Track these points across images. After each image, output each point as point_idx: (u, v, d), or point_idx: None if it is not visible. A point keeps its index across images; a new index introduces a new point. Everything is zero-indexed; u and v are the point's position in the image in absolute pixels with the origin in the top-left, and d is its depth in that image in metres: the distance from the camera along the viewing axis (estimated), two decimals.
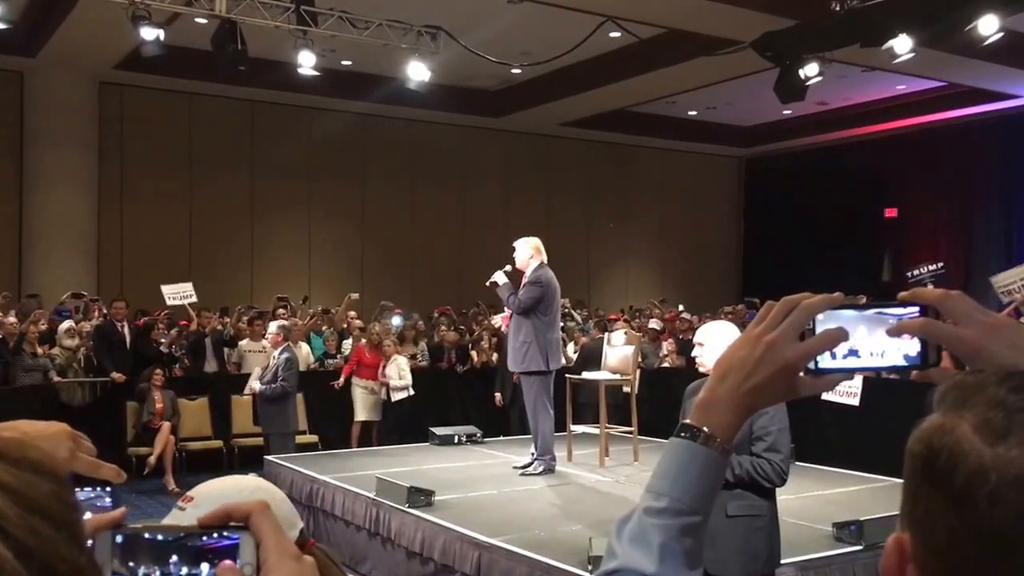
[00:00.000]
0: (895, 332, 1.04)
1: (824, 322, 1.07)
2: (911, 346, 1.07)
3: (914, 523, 0.76)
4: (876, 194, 20.82)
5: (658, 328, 13.79)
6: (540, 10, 12.57)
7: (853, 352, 1.08)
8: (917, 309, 1.05)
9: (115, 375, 11.37)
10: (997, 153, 18.92)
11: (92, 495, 1.16)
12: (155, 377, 11.00)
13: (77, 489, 1.13)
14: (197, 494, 1.46)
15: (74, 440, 1.21)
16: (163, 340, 12.25)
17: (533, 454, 8.13)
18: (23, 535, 0.51)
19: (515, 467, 8.19)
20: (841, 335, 1.05)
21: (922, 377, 1.06)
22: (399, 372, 11.51)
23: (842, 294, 1.11)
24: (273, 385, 9.74)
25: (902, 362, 1.07)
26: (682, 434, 1.07)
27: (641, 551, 1.03)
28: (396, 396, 11.47)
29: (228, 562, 0.75)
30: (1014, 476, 0.69)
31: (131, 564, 0.77)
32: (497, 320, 9.15)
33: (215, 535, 0.77)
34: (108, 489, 1.17)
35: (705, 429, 1.06)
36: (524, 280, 8.06)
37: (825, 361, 1.08)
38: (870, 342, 1.08)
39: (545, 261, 8.11)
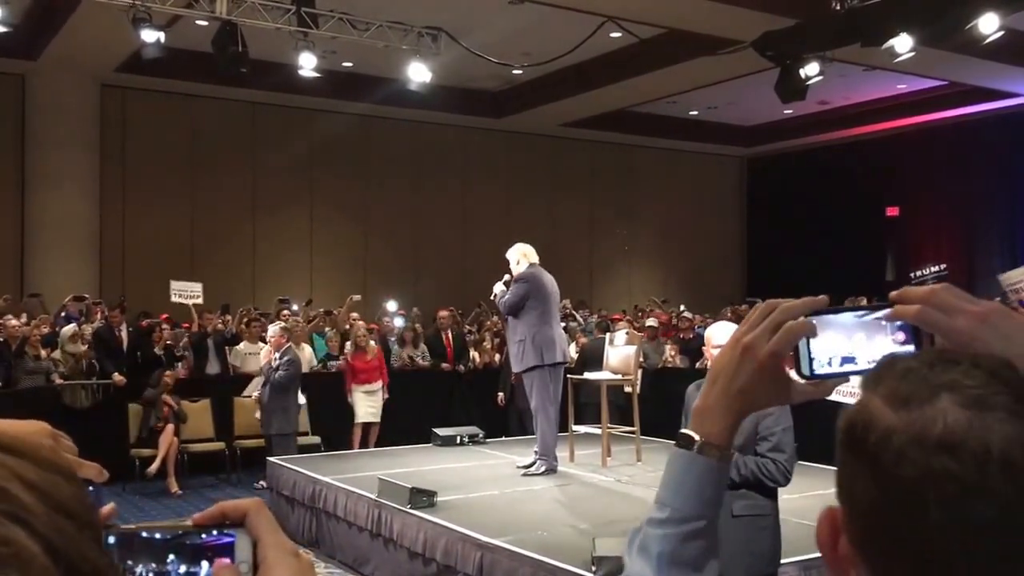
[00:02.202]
0: (891, 317, 1.04)
1: (821, 329, 1.07)
2: (905, 348, 1.06)
3: (841, 492, 0.81)
4: (878, 193, 20.82)
5: (655, 325, 13.74)
6: (541, 11, 12.57)
7: (850, 359, 1.08)
8: None
9: (116, 377, 11.37)
10: (998, 151, 18.91)
11: None
12: (167, 378, 11.01)
13: None
14: None
15: (54, 438, 1.21)
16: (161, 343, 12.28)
17: (536, 453, 8.13)
18: (50, 533, 0.52)
19: (518, 466, 8.19)
20: (806, 327, 1.05)
21: None
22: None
23: (827, 297, 1.11)
24: (278, 374, 9.78)
25: None
26: (680, 444, 1.10)
27: (644, 561, 1.08)
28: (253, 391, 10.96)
29: (224, 560, 0.75)
30: (914, 435, 0.75)
31: (128, 563, 0.77)
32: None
33: (214, 533, 0.77)
34: (91, 488, 1.16)
35: (700, 437, 1.08)
36: None
37: (822, 368, 1.08)
38: (863, 345, 1.07)
39: (535, 263, 8.13)
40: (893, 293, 1.06)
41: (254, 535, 0.75)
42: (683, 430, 1.10)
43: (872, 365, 1.07)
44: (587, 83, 16.39)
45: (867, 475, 0.77)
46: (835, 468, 0.82)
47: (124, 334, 11.92)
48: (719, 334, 4.33)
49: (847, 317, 1.08)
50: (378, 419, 11.64)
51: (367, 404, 11.59)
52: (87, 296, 13.90)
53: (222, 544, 0.76)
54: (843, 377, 1.10)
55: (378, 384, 11.73)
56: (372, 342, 11.94)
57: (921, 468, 0.74)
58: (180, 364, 12.12)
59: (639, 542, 1.09)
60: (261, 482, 10.24)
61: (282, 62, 13.36)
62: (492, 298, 8.32)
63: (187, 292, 12.90)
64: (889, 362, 0.84)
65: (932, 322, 1.01)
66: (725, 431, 1.09)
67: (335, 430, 11.77)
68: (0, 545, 0.49)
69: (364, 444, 11.39)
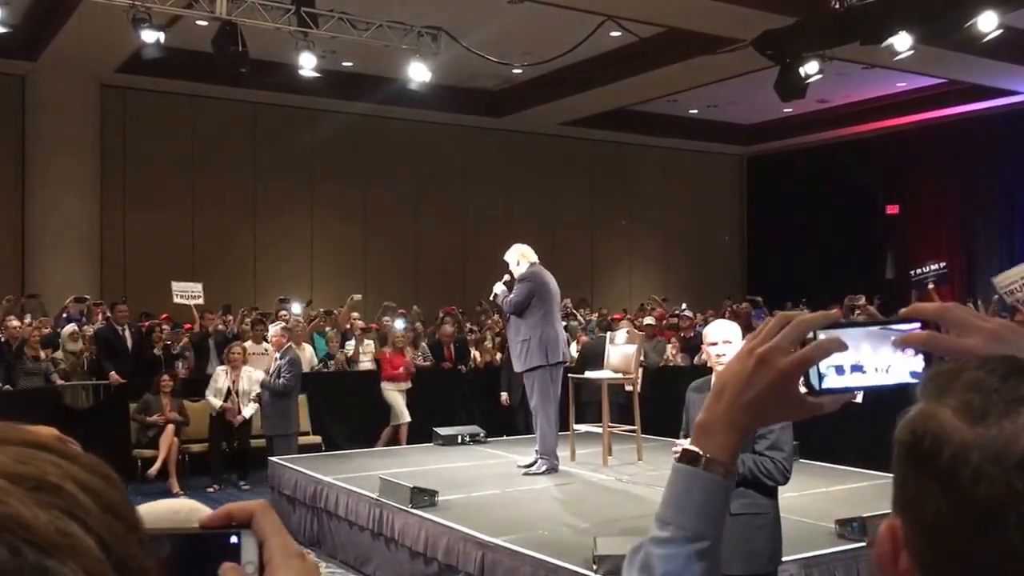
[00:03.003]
0: (900, 344, 1.03)
1: (818, 340, 1.05)
2: (916, 362, 1.04)
3: (904, 507, 0.78)
4: (877, 191, 20.83)
5: (653, 323, 13.75)
6: (540, 10, 12.57)
7: (858, 367, 1.06)
8: (919, 323, 1.03)
9: (112, 375, 11.34)
10: (998, 149, 18.91)
11: None
12: (164, 384, 11.00)
13: None
14: None
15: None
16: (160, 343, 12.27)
17: (537, 452, 8.13)
18: (103, 531, 0.55)
19: (519, 465, 8.20)
20: (835, 344, 1.03)
21: None
22: (251, 384, 10.72)
23: (840, 311, 1.09)
24: (277, 380, 9.76)
25: (909, 378, 1.04)
26: (683, 460, 1.06)
27: None
28: (248, 412, 10.71)
29: (230, 563, 0.75)
30: (994, 453, 0.71)
31: None
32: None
33: (220, 535, 0.77)
34: None
35: (706, 454, 1.05)
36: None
37: (829, 380, 1.06)
38: (875, 358, 1.05)
39: (535, 263, 8.14)
40: (903, 310, 1.05)
41: (260, 536, 0.76)
42: (686, 445, 1.07)
43: (880, 375, 1.05)
44: (587, 82, 16.39)
45: (937, 492, 0.73)
46: (893, 481, 0.79)
47: (128, 333, 11.92)
48: (715, 332, 4.35)
49: (858, 331, 1.06)
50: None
51: (404, 403, 11.80)
52: (88, 297, 13.90)
53: (228, 545, 0.76)
54: (850, 394, 1.08)
55: (408, 384, 11.97)
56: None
57: (1001, 488, 0.70)
58: (181, 364, 12.11)
59: (640, 561, 1.05)
60: (246, 485, 10.44)
61: (282, 62, 13.36)
62: (492, 299, 8.32)
63: (188, 292, 12.94)
64: (953, 371, 0.80)
65: (941, 348, 1.00)
66: (730, 446, 1.05)
67: (336, 430, 11.79)
68: (59, 536, 0.52)
69: (396, 443, 11.46)
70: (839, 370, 1.06)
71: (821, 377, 1.05)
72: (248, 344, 12.19)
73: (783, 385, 1.03)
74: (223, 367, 10.98)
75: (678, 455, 1.08)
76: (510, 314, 8.05)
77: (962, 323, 1.00)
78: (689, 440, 1.08)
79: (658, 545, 1.04)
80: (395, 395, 11.81)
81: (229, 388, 10.82)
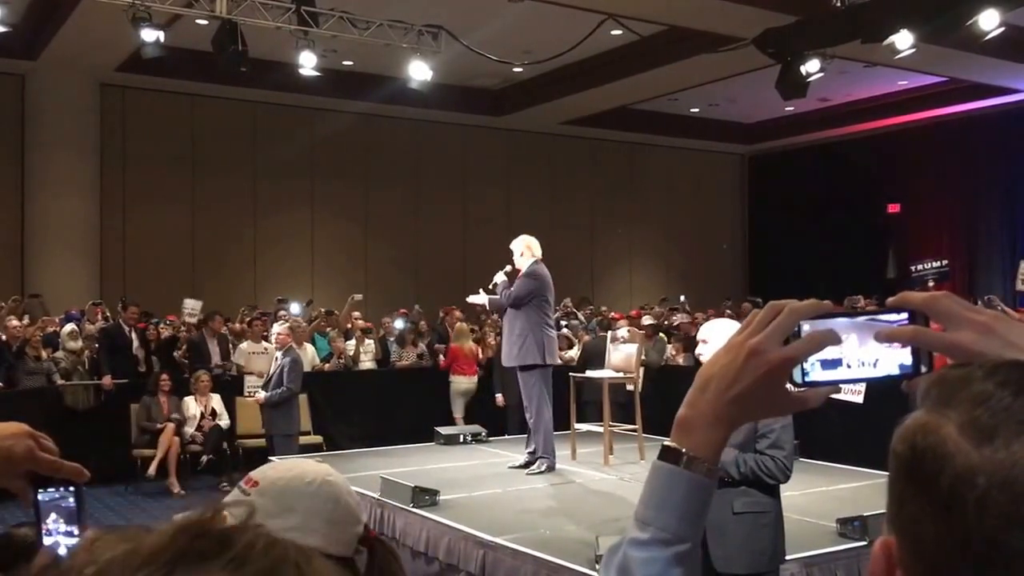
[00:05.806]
0: (883, 338, 0.99)
1: (816, 330, 1.01)
2: (904, 354, 1.01)
3: (900, 527, 0.72)
4: (878, 190, 20.83)
5: (653, 322, 13.72)
6: (541, 8, 12.56)
7: (845, 361, 1.02)
8: (907, 315, 0.99)
9: (105, 380, 11.32)
10: (999, 148, 18.90)
11: (56, 496, 1.20)
12: (162, 383, 11.00)
13: (40, 491, 1.20)
14: (263, 480, 1.48)
15: (34, 439, 1.26)
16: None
17: (531, 452, 8.11)
18: None
19: (511, 467, 8.16)
20: (830, 337, 0.99)
21: (913, 387, 0.98)
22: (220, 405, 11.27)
23: (831, 303, 1.06)
24: (279, 390, 9.75)
25: (896, 371, 1.01)
26: (663, 458, 1.01)
27: None
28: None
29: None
30: (1002, 479, 0.65)
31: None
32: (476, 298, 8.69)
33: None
34: (71, 489, 1.21)
35: (688, 452, 1.00)
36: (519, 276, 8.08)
37: (814, 374, 1.02)
38: (861, 352, 1.02)
39: (539, 258, 8.12)
40: (891, 299, 1.00)
41: None
42: (667, 442, 1.02)
43: (867, 369, 1.02)
44: (588, 81, 16.38)
45: (938, 515, 0.68)
46: (888, 495, 0.74)
47: (134, 334, 11.93)
48: (709, 331, 4.36)
49: (841, 320, 1.02)
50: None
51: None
52: (100, 301, 13.88)
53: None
54: (835, 387, 1.05)
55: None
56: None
57: (1007, 517, 0.65)
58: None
59: (618, 563, 1.00)
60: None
61: (282, 61, 13.35)
62: (491, 287, 8.25)
63: (191, 309, 13.17)
64: (960, 378, 0.73)
65: (928, 343, 0.96)
66: (714, 443, 1.00)
67: (337, 429, 11.79)
68: None
69: None
70: (824, 364, 1.02)
71: (805, 372, 1.02)
72: (247, 344, 12.18)
73: (773, 378, 0.99)
74: (191, 397, 11.12)
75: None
76: (508, 306, 7.99)
77: (951, 314, 0.95)
78: (670, 437, 1.03)
79: (637, 548, 0.99)
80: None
81: (202, 412, 11.07)
